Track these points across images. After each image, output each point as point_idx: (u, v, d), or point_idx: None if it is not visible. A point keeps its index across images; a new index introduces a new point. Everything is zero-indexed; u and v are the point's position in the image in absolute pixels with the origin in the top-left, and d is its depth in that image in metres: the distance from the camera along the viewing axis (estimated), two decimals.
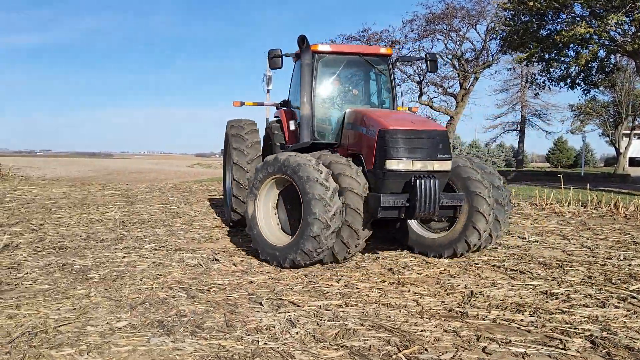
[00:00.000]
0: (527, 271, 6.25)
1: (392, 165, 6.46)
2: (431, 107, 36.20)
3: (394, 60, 8.75)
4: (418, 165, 6.50)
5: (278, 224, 6.95)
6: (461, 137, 56.70)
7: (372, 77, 8.71)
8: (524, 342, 3.98)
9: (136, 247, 7.34)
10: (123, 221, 9.73)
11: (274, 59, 8.02)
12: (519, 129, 52.60)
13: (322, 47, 8.14)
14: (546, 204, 11.71)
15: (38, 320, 4.27)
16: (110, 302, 4.83)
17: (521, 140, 53.02)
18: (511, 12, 20.77)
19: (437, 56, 8.46)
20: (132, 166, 42.00)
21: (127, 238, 8.04)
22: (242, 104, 9.82)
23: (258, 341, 3.90)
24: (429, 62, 8.58)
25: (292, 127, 8.45)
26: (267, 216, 6.94)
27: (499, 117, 52.44)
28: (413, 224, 7.45)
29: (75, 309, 4.61)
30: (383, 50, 8.51)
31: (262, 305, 4.79)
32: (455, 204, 6.74)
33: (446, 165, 6.68)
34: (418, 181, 6.32)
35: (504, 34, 22.78)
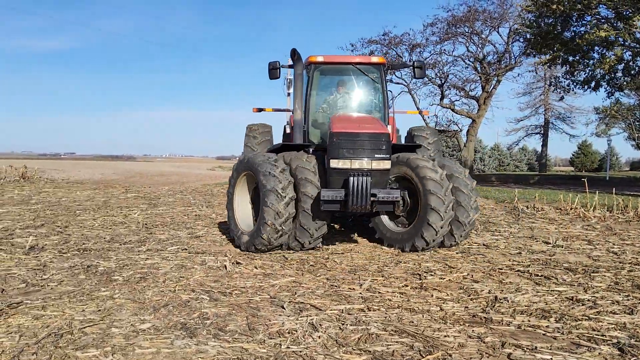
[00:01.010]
0: (552, 277, 6.15)
1: (333, 163, 7.32)
2: (453, 110, 35.98)
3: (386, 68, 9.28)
4: (356, 164, 7.24)
5: (253, 216, 7.91)
6: (483, 140, 56.13)
7: (365, 85, 9.32)
8: (550, 349, 3.91)
9: (159, 250, 7.40)
10: (146, 224, 9.83)
11: (272, 70, 8.85)
12: (542, 132, 52.02)
13: (317, 58, 8.91)
14: (571, 209, 11.53)
15: (63, 321, 4.33)
16: (134, 304, 4.88)
17: (544, 144, 52.46)
18: (535, 14, 20.54)
19: (425, 62, 9.26)
20: (154, 169, 42.43)
21: (150, 240, 8.11)
22: (260, 110, 10.38)
23: (280, 345, 3.90)
24: (415, 69, 9.06)
25: (288, 131, 9.54)
26: (242, 208, 8.01)
27: (521, 120, 52.04)
28: (385, 218, 8.03)
29: (99, 310, 4.66)
30: (374, 60, 9.15)
31: (284, 308, 4.79)
32: (391, 199, 7.28)
33: (383, 164, 7.35)
34: (351, 178, 7.06)
35: (528, 36, 22.55)
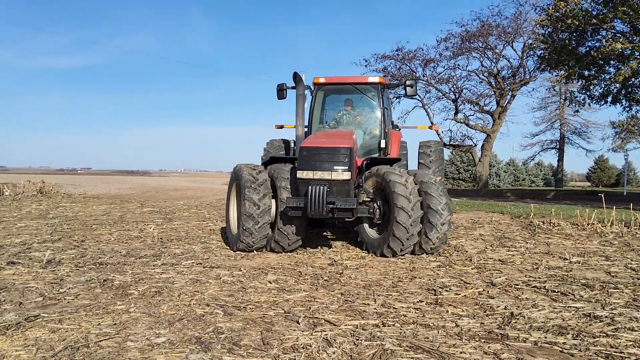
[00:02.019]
0: (569, 293, 6.07)
1: (299, 174, 8.07)
2: (467, 124, 35.89)
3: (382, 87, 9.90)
4: (317, 175, 7.95)
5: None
6: (498, 155, 55.82)
7: (363, 103, 10.09)
8: None
9: (174, 264, 7.44)
10: (161, 238, 9.90)
11: (280, 91, 9.83)
12: (557, 147, 51.60)
13: (320, 79, 9.86)
14: (588, 224, 11.38)
15: (80, 334, 4.36)
16: (149, 317, 4.90)
17: (560, 159, 52.00)
18: (549, 29, 20.48)
19: (416, 80, 9.92)
20: (169, 184, 42.73)
21: (165, 255, 8.16)
22: (281, 127, 11.18)
23: None
24: (406, 87, 9.65)
25: (292, 145, 10.29)
26: (234, 214, 9.14)
27: (536, 135, 51.68)
28: (366, 226, 8.78)
29: (115, 324, 4.69)
30: (371, 79, 9.82)
31: (298, 323, 4.78)
32: (349, 207, 7.91)
33: (342, 175, 7.97)
34: (310, 187, 7.83)
35: (542, 51, 22.47)
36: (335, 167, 7.97)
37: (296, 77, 9.19)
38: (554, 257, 8.45)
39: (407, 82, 9.55)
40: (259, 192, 8.18)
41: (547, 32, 20.84)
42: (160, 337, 4.34)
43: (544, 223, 11.87)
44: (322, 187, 7.80)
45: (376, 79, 9.72)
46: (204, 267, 7.24)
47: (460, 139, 37.01)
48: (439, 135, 36.70)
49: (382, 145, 9.53)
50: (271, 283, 6.39)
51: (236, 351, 4.05)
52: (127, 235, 10.19)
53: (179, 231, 10.90)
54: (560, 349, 4.25)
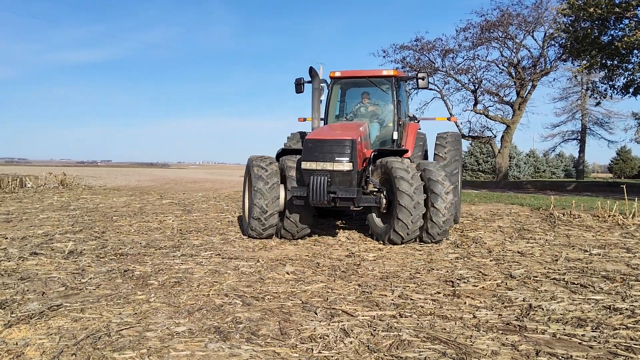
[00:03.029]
0: (589, 285, 6.01)
1: (303, 165, 8.41)
2: (487, 115, 35.50)
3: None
4: (319, 166, 8.24)
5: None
6: (518, 146, 55.16)
7: (378, 96, 10.26)
8: (586, 358, 3.83)
9: (193, 255, 7.52)
10: (180, 229, 10.00)
11: (297, 85, 10.05)
12: (579, 138, 50.86)
13: (336, 73, 10.09)
14: (609, 216, 11.23)
15: (101, 323, 4.44)
16: (169, 307, 4.97)
17: (581, 150, 51.23)
18: (571, 18, 20.12)
19: (427, 73, 9.94)
20: (188, 176, 43.05)
21: (184, 246, 8.26)
22: (304, 119, 11.40)
23: (312, 350, 3.92)
24: (418, 79, 9.74)
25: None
26: (247, 203, 9.49)
27: (557, 125, 50.96)
28: (374, 215, 9.05)
29: (136, 313, 4.76)
30: (385, 73, 9.98)
31: (316, 314, 4.81)
32: (350, 196, 8.16)
33: (343, 166, 8.19)
34: (311, 177, 8.13)
35: (563, 40, 22.10)
36: (337, 158, 8.22)
37: (312, 72, 9.45)
38: (574, 249, 8.37)
39: (420, 75, 9.63)
40: (267, 182, 8.62)
41: (568, 21, 20.46)
42: (179, 327, 4.40)
43: (564, 215, 11.75)
44: (323, 177, 8.08)
45: (390, 72, 9.89)
46: (223, 258, 7.31)
47: (480, 130, 36.65)
48: (457, 126, 36.42)
49: (395, 137, 9.69)
50: (289, 274, 6.43)
51: (254, 340, 4.10)
52: (146, 227, 10.31)
53: (197, 223, 11.01)
54: (579, 341, 4.21)
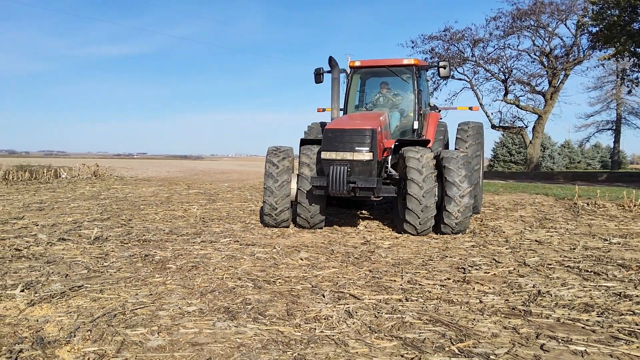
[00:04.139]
0: (603, 272, 5.98)
1: (323, 155, 8.39)
2: (518, 105, 35.00)
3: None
4: (339, 156, 8.24)
5: None
6: (552, 137, 54.04)
7: (398, 85, 10.34)
8: (586, 341, 3.86)
9: (212, 241, 7.73)
10: (203, 217, 10.25)
11: (317, 75, 10.04)
12: (614, 128, 49.62)
13: (355, 63, 10.05)
14: (635, 206, 11.05)
15: (117, 303, 4.66)
16: (184, 289, 5.17)
17: (616, 140, 50.01)
18: (599, 5, 19.65)
19: (448, 62, 9.98)
20: (218, 167, 43.64)
21: (205, 233, 8.48)
22: (324, 110, 11.52)
23: (315, 329, 4.05)
24: (439, 68, 9.65)
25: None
26: None
27: (591, 115, 49.82)
28: (397, 206, 8.98)
29: (151, 294, 4.97)
30: (406, 62, 9.86)
31: (323, 297, 4.94)
32: (370, 186, 8.10)
33: (362, 156, 8.17)
34: (331, 167, 8.17)
35: (593, 28, 21.63)
36: (357, 148, 8.18)
37: (331, 62, 9.41)
38: (594, 238, 8.29)
39: (441, 64, 9.56)
40: (276, 180, 8.76)
41: (597, 9, 19.97)
42: (191, 307, 4.59)
43: (588, 204, 11.60)
44: (343, 167, 8.09)
45: (411, 61, 9.79)
46: (240, 245, 7.50)
47: (511, 121, 36.16)
48: (488, 116, 36.00)
49: (415, 126, 9.61)
50: (303, 260, 6.57)
51: (260, 320, 4.25)
52: (171, 215, 10.60)
53: (220, 211, 11.25)
54: (583, 326, 4.24)
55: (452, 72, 34.60)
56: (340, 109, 9.97)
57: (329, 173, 8.17)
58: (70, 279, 5.50)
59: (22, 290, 4.98)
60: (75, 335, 3.85)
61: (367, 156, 8.19)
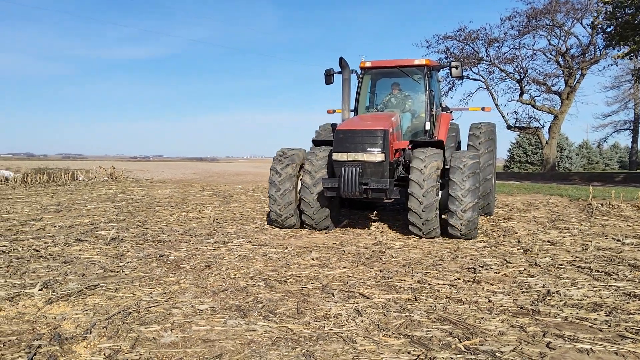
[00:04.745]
0: (614, 273, 5.98)
1: (334, 156, 8.39)
2: (533, 106, 34.72)
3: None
4: (351, 157, 8.21)
5: None
6: (569, 137, 53.48)
7: (410, 86, 10.03)
8: (593, 340, 3.89)
9: (226, 242, 7.85)
10: (217, 219, 10.38)
11: (327, 76, 10.00)
12: (632, 127, 49.03)
13: (366, 64, 9.98)
14: None
15: (132, 301, 4.79)
16: (197, 288, 5.28)
17: (634, 140, 49.36)
18: (612, 4, 19.48)
19: (460, 62, 9.50)
20: (233, 169, 43.88)
21: (218, 234, 8.60)
22: (334, 111, 11.35)
23: (324, 327, 4.13)
24: (451, 68, 9.45)
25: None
26: None
27: (609, 115, 49.24)
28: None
29: (165, 293, 5.09)
30: (417, 62, 9.73)
31: (333, 296, 5.02)
32: (382, 187, 8.07)
33: (374, 157, 8.14)
34: (343, 168, 8.15)
35: (606, 27, 21.44)
36: (369, 149, 8.16)
37: (342, 62, 9.40)
38: (607, 238, 8.26)
39: (453, 64, 9.40)
40: (279, 189, 8.82)
41: (610, 8, 19.79)
42: (203, 305, 4.69)
43: (602, 205, 11.53)
44: (354, 169, 8.07)
45: (422, 61, 9.69)
46: (253, 245, 7.60)
47: (527, 121, 35.89)
48: (503, 117, 35.78)
49: (427, 127, 9.53)
50: (314, 260, 6.66)
51: (271, 318, 4.35)
52: (186, 216, 10.74)
53: (234, 213, 11.37)
54: (590, 324, 4.27)
55: (467, 73, 34.48)
56: (351, 110, 9.90)
57: (341, 174, 8.15)
58: (86, 278, 5.63)
59: (41, 289, 5.13)
60: (91, 332, 3.97)
61: (379, 157, 8.15)
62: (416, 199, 7.98)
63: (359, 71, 10.13)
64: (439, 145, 8.97)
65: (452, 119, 10.72)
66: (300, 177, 9.00)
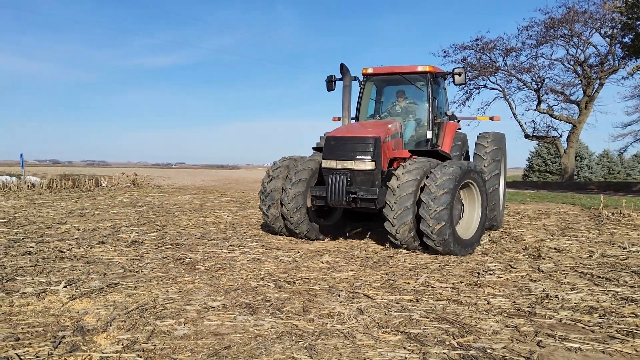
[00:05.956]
0: (615, 279, 6.15)
1: (324, 164, 8.24)
2: (551, 115, 34.64)
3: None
4: (340, 164, 8.04)
5: None
6: (589, 146, 52.94)
7: (414, 93, 9.80)
8: (582, 340, 4.09)
9: (240, 245, 8.16)
10: (233, 224, 10.71)
11: (328, 83, 9.81)
12: None
13: (368, 70, 9.77)
14: None
15: (149, 298, 5.11)
16: (210, 287, 5.59)
17: None
18: (625, 15, 19.47)
19: (462, 69, 9.16)
20: (252, 176, 44.38)
21: (233, 237, 8.92)
22: (339, 119, 10.87)
23: (327, 324, 4.40)
24: (454, 75, 9.13)
25: None
26: None
27: (629, 125, 48.65)
28: None
29: (180, 291, 5.40)
30: (420, 69, 9.40)
31: (339, 296, 5.28)
32: (371, 197, 7.85)
33: (364, 165, 7.93)
34: (330, 176, 8.00)
35: (622, 37, 21.42)
36: (358, 157, 7.95)
37: (343, 69, 9.24)
38: (613, 246, 8.39)
39: (456, 70, 9.12)
40: (269, 182, 8.97)
41: (625, 18, 19.78)
42: (215, 302, 4.99)
43: (613, 214, 11.61)
44: (342, 177, 7.92)
45: (425, 68, 9.33)
46: (266, 249, 7.90)
47: (545, 130, 35.81)
48: (521, 126, 35.73)
49: (429, 136, 9.23)
50: (323, 263, 6.93)
51: (277, 315, 4.63)
52: (203, 221, 11.10)
53: (250, 218, 11.71)
54: (583, 326, 4.47)
55: (485, 82, 34.56)
56: (352, 118, 9.69)
57: (328, 182, 7.99)
58: (107, 277, 5.98)
59: (65, 287, 5.48)
60: (111, 325, 4.29)
61: (369, 165, 7.92)
62: (389, 206, 7.63)
63: (360, 78, 9.92)
64: (435, 154, 8.71)
65: (459, 128, 10.51)
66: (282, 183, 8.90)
